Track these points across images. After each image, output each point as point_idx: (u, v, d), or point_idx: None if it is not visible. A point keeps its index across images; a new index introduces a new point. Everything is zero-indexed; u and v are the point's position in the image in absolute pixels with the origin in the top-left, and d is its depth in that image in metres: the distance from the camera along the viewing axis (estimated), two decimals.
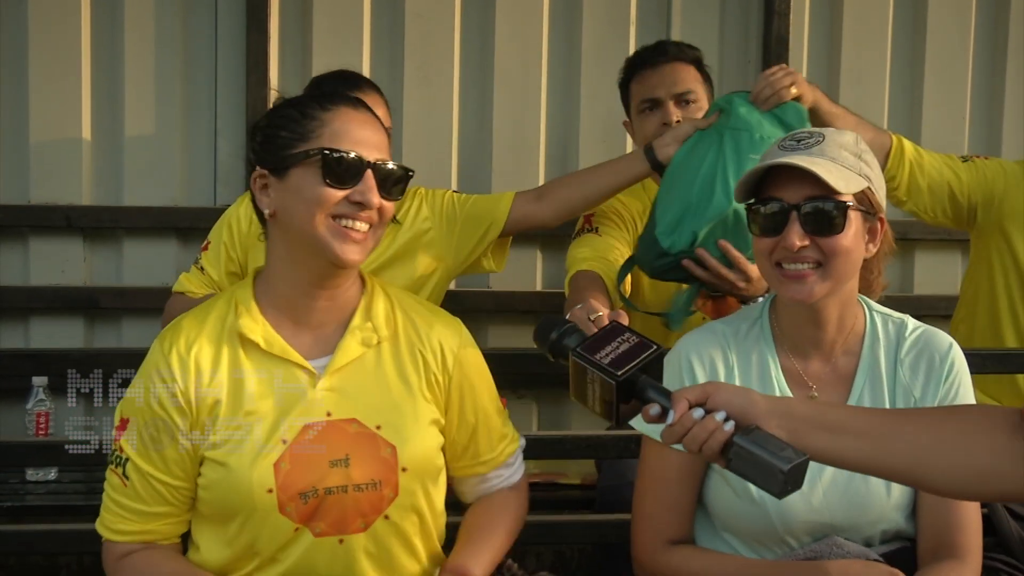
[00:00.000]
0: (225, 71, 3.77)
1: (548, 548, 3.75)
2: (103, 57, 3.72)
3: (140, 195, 3.75)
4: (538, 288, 3.99)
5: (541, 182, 3.93)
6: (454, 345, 2.11)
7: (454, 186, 3.90)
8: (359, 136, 1.96)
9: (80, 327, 3.73)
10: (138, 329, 3.74)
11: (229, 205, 3.56)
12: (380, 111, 2.45)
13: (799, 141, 2.06)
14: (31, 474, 3.29)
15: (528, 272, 3.97)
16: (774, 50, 3.97)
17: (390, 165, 1.98)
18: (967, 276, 3.56)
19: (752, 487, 2.05)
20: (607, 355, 1.76)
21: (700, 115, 3.14)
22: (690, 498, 2.17)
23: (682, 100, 3.15)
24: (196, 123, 3.79)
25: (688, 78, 3.18)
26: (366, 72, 3.81)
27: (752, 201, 2.08)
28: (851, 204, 2.03)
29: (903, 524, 2.10)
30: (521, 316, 3.93)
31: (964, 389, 2.16)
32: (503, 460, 2.18)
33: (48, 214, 3.68)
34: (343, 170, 1.93)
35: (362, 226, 1.96)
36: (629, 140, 3.98)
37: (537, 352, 3.89)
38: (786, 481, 1.64)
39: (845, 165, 2.03)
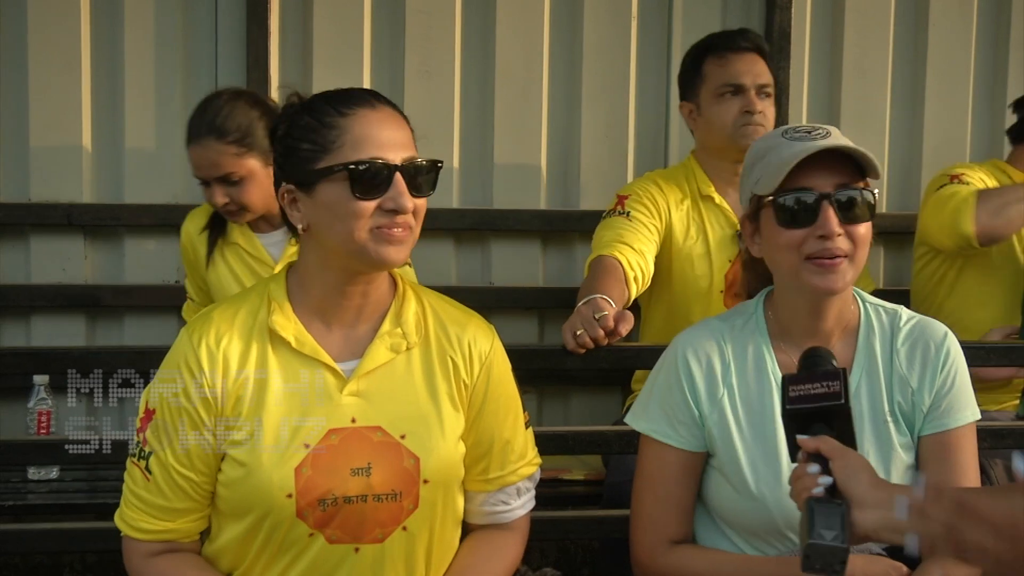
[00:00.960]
0: (226, 68, 3.77)
1: (552, 544, 3.76)
2: (103, 54, 3.71)
3: (141, 193, 3.75)
4: (540, 284, 3.99)
5: (543, 177, 3.97)
6: (484, 349, 2.07)
7: (456, 181, 3.93)
8: (382, 138, 1.90)
9: (82, 325, 3.73)
10: (140, 326, 3.75)
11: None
12: None
13: (808, 132, 2.05)
14: (33, 473, 3.28)
15: (531, 268, 3.98)
16: (776, 44, 3.97)
17: (419, 161, 1.92)
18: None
19: (751, 482, 2.08)
20: (799, 390, 1.79)
21: (773, 111, 3.16)
22: (689, 496, 2.17)
23: (762, 92, 3.13)
24: None
25: (766, 71, 3.18)
26: (367, 68, 3.82)
27: (775, 193, 2.04)
28: (876, 192, 2.04)
29: None
30: (524, 311, 3.94)
31: (961, 378, 2.16)
32: (512, 481, 2.12)
33: (49, 212, 3.68)
34: (371, 181, 1.88)
35: (400, 230, 1.91)
36: (631, 136, 4.01)
37: (540, 348, 3.90)
38: (808, 556, 1.64)
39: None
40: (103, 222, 3.73)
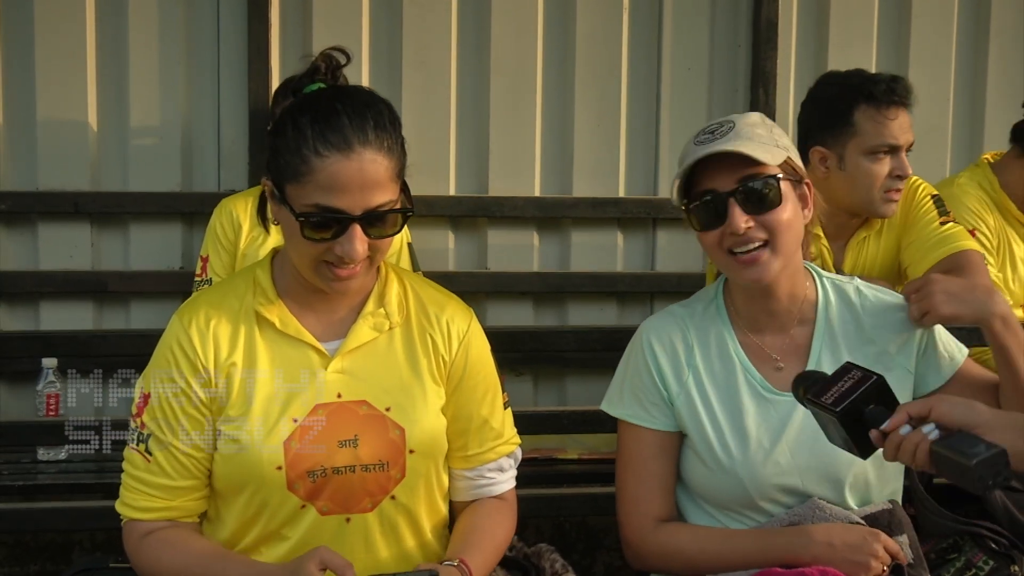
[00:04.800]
0: (227, 59, 3.83)
1: (547, 520, 3.85)
2: (108, 46, 3.77)
3: (145, 181, 3.80)
4: (535, 269, 4.06)
5: (537, 164, 4.04)
6: (462, 328, 2.13)
7: (452, 169, 4.00)
8: (349, 189, 1.87)
9: (89, 310, 3.78)
10: (145, 312, 3.80)
11: (233, 190, 3.66)
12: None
13: (712, 133, 2.11)
14: (42, 453, 3.32)
15: (526, 253, 4.05)
16: (764, 34, 4.04)
17: (383, 210, 1.91)
18: None
19: (722, 457, 2.15)
20: (832, 395, 1.84)
21: None
22: (670, 475, 2.23)
23: (908, 150, 2.94)
24: (199, 111, 3.84)
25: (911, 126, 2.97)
26: (364, 59, 3.88)
27: (685, 202, 2.13)
28: (781, 176, 2.09)
29: (872, 477, 2.16)
30: (519, 296, 4.02)
31: (937, 331, 2.25)
32: (491, 459, 2.15)
33: (56, 200, 3.73)
34: (323, 229, 1.89)
35: (347, 271, 1.94)
36: (623, 124, 4.09)
37: (534, 330, 3.98)
38: (980, 476, 1.68)
39: (762, 141, 2.09)
40: (109, 210, 3.78)
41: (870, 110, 2.87)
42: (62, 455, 3.33)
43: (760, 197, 2.07)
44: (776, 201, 2.08)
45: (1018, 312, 3.34)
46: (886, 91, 2.88)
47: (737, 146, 2.05)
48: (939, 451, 1.73)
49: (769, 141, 2.11)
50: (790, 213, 2.10)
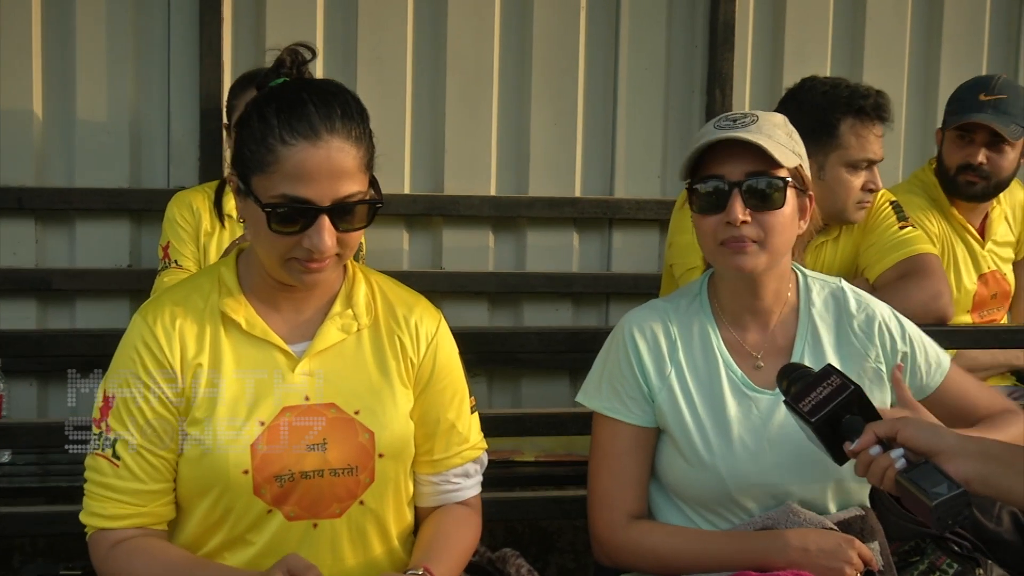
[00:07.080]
0: (178, 53, 3.77)
1: (499, 524, 3.81)
2: (54, 37, 3.69)
3: (93, 177, 3.74)
4: (490, 269, 4.04)
5: (493, 163, 4.02)
6: (431, 330, 2.10)
7: (407, 167, 3.97)
8: (316, 178, 1.84)
9: (33, 309, 3.72)
10: (92, 310, 3.74)
11: (183, 187, 3.60)
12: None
13: (734, 120, 2.11)
14: None
15: (481, 253, 4.03)
16: (721, 35, 4.06)
17: (352, 201, 1.88)
18: None
19: (703, 452, 2.14)
20: (809, 403, 1.84)
21: None
22: (644, 472, 2.22)
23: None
24: (149, 105, 3.78)
25: None
26: (319, 54, 3.80)
27: (691, 181, 2.13)
28: (789, 180, 2.10)
29: (852, 481, 2.15)
30: (474, 296, 4.00)
31: (921, 338, 2.26)
32: (458, 464, 2.13)
33: None
34: (290, 222, 1.85)
35: (317, 264, 1.90)
36: (580, 123, 4.08)
37: (490, 330, 3.93)
38: (939, 518, 1.69)
39: (780, 142, 2.10)
40: (54, 206, 3.71)
41: (856, 124, 2.89)
42: (5, 458, 3.28)
43: (764, 195, 2.08)
44: (778, 203, 2.08)
45: (965, 318, 3.37)
46: (874, 107, 2.89)
47: (757, 139, 2.06)
48: (904, 483, 1.74)
49: (787, 145, 2.12)
50: (787, 218, 2.11)
